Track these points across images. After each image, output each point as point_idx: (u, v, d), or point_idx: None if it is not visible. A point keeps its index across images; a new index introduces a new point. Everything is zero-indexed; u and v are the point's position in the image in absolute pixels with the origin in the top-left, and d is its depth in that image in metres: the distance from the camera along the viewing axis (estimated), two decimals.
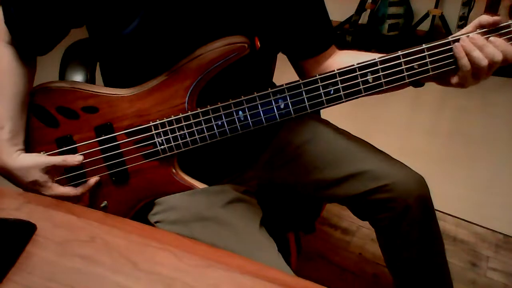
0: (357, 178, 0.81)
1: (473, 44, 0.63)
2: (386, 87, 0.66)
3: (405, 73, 0.65)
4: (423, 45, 0.64)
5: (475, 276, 1.30)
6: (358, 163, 0.82)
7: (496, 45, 0.62)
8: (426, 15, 2.72)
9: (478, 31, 0.64)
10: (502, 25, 0.63)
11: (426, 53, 0.65)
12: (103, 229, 0.58)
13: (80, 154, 0.72)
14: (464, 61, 0.63)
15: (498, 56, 0.61)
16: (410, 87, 0.72)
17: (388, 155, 0.85)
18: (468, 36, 0.63)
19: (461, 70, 0.64)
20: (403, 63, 0.65)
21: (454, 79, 0.66)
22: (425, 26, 2.76)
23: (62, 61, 0.92)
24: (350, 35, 2.87)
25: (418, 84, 0.72)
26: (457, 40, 0.64)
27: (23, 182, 0.68)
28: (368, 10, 2.85)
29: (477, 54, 0.62)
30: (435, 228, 0.85)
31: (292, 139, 0.87)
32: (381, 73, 0.66)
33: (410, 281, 0.89)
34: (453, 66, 0.65)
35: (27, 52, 0.72)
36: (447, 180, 1.71)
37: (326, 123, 0.91)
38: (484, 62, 0.62)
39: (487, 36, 0.63)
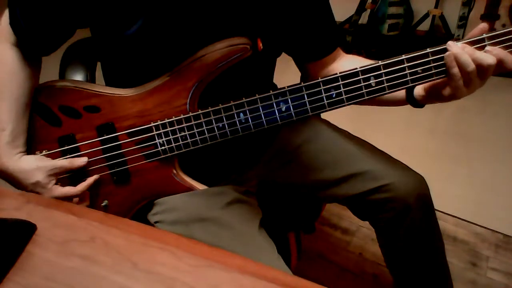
0: (357, 178, 0.81)
1: (463, 49, 0.60)
2: (389, 91, 0.65)
3: (409, 78, 0.64)
4: (428, 49, 0.62)
5: (475, 276, 1.30)
6: (358, 163, 0.82)
7: (492, 54, 0.59)
8: (426, 15, 2.72)
9: (473, 38, 0.61)
10: (497, 33, 0.60)
11: (430, 58, 0.62)
12: (103, 229, 0.58)
13: (84, 155, 0.72)
14: (455, 70, 0.61)
15: (490, 60, 0.59)
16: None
17: (388, 155, 0.85)
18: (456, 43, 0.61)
19: (454, 76, 0.62)
20: (407, 67, 0.63)
21: (446, 91, 0.64)
22: (425, 26, 2.76)
23: (62, 61, 0.92)
24: (350, 35, 2.87)
25: (417, 104, 0.71)
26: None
27: (24, 184, 0.68)
28: (368, 10, 2.85)
29: (465, 58, 0.60)
30: (435, 228, 0.85)
31: (292, 139, 0.87)
32: (384, 77, 0.64)
33: (410, 281, 0.90)
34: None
35: (31, 53, 0.72)
36: (447, 180, 1.71)
37: (326, 123, 0.91)
38: (471, 66, 0.59)
39: (482, 44, 0.61)
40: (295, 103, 0.67)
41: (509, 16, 2.41)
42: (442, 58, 0.62)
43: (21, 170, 0.68)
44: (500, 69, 0.61)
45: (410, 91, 0.70)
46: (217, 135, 0.69)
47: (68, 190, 0.71)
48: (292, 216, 0.96)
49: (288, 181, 0.88)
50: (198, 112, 0.69)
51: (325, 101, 0.66)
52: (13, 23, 0.68)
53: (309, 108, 0.67)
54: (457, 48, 0.60)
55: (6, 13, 0.69)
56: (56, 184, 0.71)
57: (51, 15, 0.67)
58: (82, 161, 0.72)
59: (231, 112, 0.68)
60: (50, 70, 0.86)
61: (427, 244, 0.85)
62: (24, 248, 0.55)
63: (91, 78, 0.90)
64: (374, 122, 2.10)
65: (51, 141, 0.73)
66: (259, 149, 0.87)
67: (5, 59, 0.70)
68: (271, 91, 0.67)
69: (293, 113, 0.67)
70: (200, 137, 0.70)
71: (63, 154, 0.73)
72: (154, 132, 0.71)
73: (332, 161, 0.84)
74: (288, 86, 0.67)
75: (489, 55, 0.59)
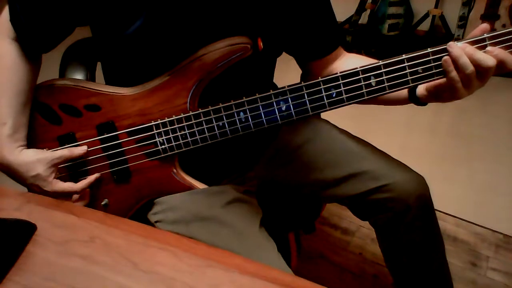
0: (357, 178, 0.81)
1: (462, 51, 0.59)
2: (390, 91, 0.64)
3: (409, 77, 0.63)
4: (428, 48, 0.62)
5: (475, 276, 1.30)
6: (358, 163, 0.82)
7: (493, 54, 0.59)
8: (426, 15, 2.72)
9: (474, 38, 0.60)
10: (498, 33, 0.60)
11: (431, 57, 0.62)
12: (103, 229, 0.58)
13: (83, 146, 0.72)
14: (453, 74, 0.60)
15: (490, 63, 0.58)
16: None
17: (388, 155, 0.85)
18: (457, 44, 0.60)
19: (452, 80, 0.61)
20: (407, 67, 0.63)
21: (447, 91, 0.64)
22: (425, 26, 2.76)
23: (62, 61, 0.92)
24: (350, 35, 2.87)
25: (420, 102, 0.71)
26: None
27: (25, 177, 0.68)
28: (368, 10, 2.85)
29: (463, 60, 0.59)
30: (435, 228, 0.85)
31: (292, 139, 0.87)
32: (384, 77, 0.64)
33: (410, 281, 0.89)
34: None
35: (31, 49, 0.72)
36: (447, 180, 1.71)
37: (326, 123, 0.91)
38: (470, 69, 0.59)
39: (483, 44, 0.60)
40: (295, 103, 0.67)
41: (509, 16, 2.41)
42: (442, 58, 0.62)
43: (21, 163, 0.68)
44: (501, 70, 0.60)
45: (412, 90, 0.70)
46: (217, 134, 0.69)
47: (69, 185, 0.71)
48: (292, 216, 0.96)
49: (288, 181, 0.88)
50: (198, 111, 0.68)
51: (325, 101, 0.66)
52: (13, 19, 0.69)
53: (309, 108, 0.67)
54: (456, 51, 0.60)
55: (6, 9, 0.69)
56: (57, 179, 0.71)
57: (51, 12, 0.67)
58: (81, 149, 0.72)
59: (231, 111, 0.68)
60: (50, 70, 0.86)
61: (427, 244, 0.85)
62: (24, 248, 0.55)
63: (91, 78, 0.90)
64: (374, 122, 2.10)
65: (51, 140, 0.73)
66: (259, 149, 0.87)
67: (5, 55, 0.70)
68: (271, 90, 0.67)
69: (293, 112, 0.67)
70: (200, 136, 0.70)
71: None
72: (154, 131, 0.71)
73: (333, 161, 0.84)
74: (288, 86, 0.66)
75: (489, 57, 0.58)
